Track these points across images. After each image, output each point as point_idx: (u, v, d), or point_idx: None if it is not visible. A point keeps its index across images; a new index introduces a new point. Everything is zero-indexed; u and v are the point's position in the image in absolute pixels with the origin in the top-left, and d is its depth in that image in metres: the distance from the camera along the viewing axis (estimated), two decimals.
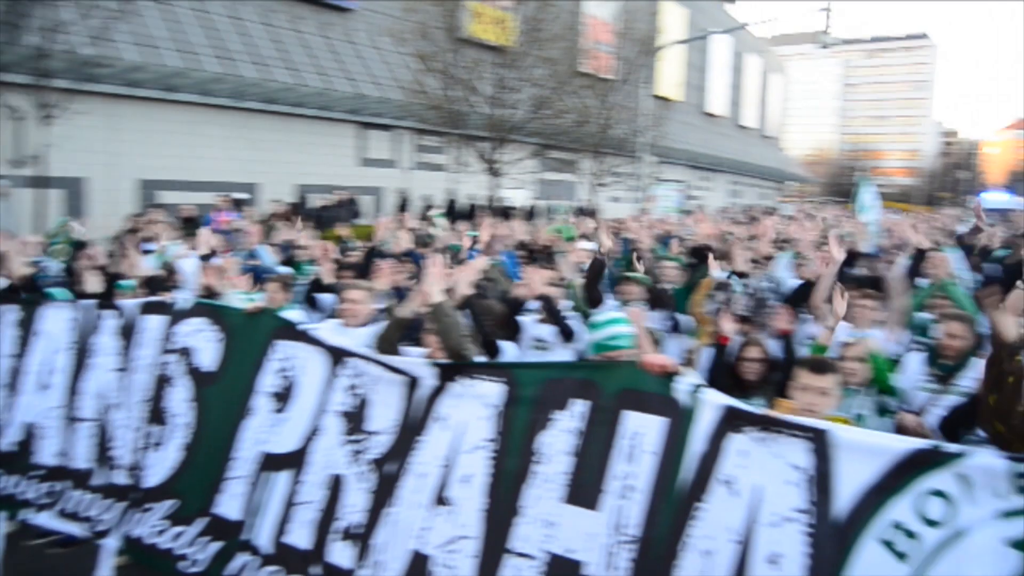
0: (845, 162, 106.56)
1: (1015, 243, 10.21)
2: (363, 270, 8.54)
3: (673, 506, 3.61)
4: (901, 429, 5.06)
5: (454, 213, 24.14)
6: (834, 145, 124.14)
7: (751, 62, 61.86)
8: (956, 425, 4.72)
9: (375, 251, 9.70)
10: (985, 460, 3.20)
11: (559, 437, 3.93)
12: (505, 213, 22.78)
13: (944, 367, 5.53)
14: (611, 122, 27.81)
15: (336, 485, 4.44)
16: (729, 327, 5.71)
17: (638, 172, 29.47)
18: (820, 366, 4.15)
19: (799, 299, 7.26)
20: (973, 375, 5.12)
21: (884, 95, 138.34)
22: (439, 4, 22.78)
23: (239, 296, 6.30)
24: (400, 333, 4.83)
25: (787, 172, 69.68)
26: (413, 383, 4.43)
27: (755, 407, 3.83)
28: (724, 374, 5.63)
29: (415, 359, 4.58)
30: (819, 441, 3.44)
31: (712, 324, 7.23)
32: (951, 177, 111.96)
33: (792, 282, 8.12)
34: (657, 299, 7.36)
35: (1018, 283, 3.80)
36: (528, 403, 4.07)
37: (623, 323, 4.55)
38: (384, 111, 26.64)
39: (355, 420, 4.53)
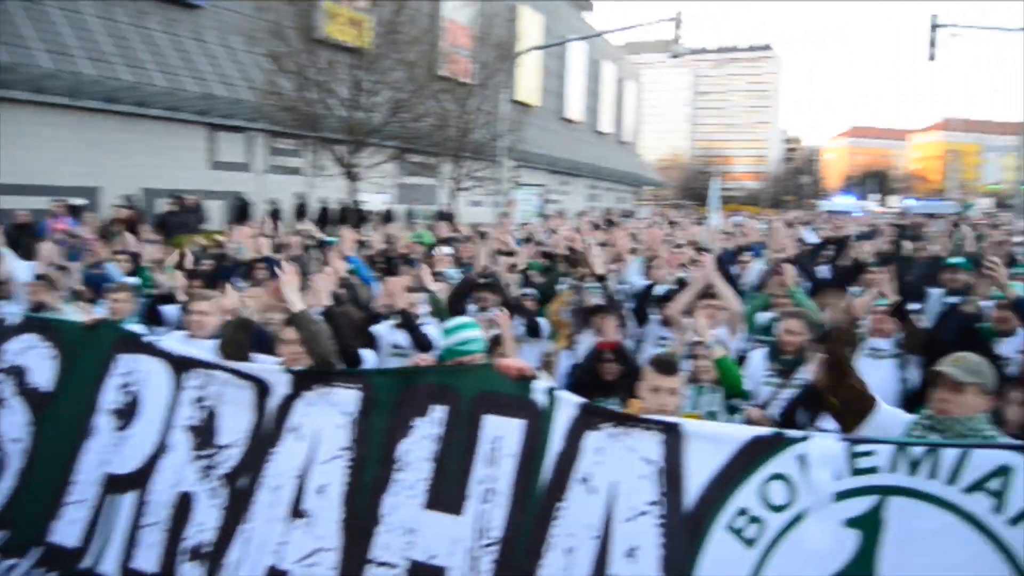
0: (696, 167, 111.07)
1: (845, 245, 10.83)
2: (212, 279, 8.22)
3: (535, 507, 3.66)
4: (748, 423, 5.31)
5: (303, 217, 23.65)
6: (686, 151, 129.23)
7: (607, 69, 63.44)
8: (795, 414, 5.00)
9: (227, 259, 9.37)
10: (823, 443, 3.35)
11: (419, 443, 3.92)
12: (359, 218, 22.49)
13: (785, 362, 5.83)
14: (470, 126, 27.88)
15: (185, 503, 4.28)
16: (612, 331, 5.79)
17: (498, 176, 29.69)
18: (668, 367, 4.24)
19: (647, 300, 7.50)
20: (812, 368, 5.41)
21: (732, 103, 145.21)
22: (293, 3, 22.21)
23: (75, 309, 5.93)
24: (245, 335, 4.66)
25: (643, 176, 71.87)
26: (265, 392, 4.30)
27: (611, 406, 3.95)
28: (587, 375, 5.74)
29: (268, 366, 4.45)
30: (669, 434, 3.55)
31: (569, 328, 7.39)
32: (794, 182, 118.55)
33: (644, 285, 8.35)
34: (514, 305, 7.42)
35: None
36: (386, 410, 4.04)
37: (473, 328, 4.56)
38: (236, 112, 25.74)
39: (204, 434, 4.37)
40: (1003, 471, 3.10)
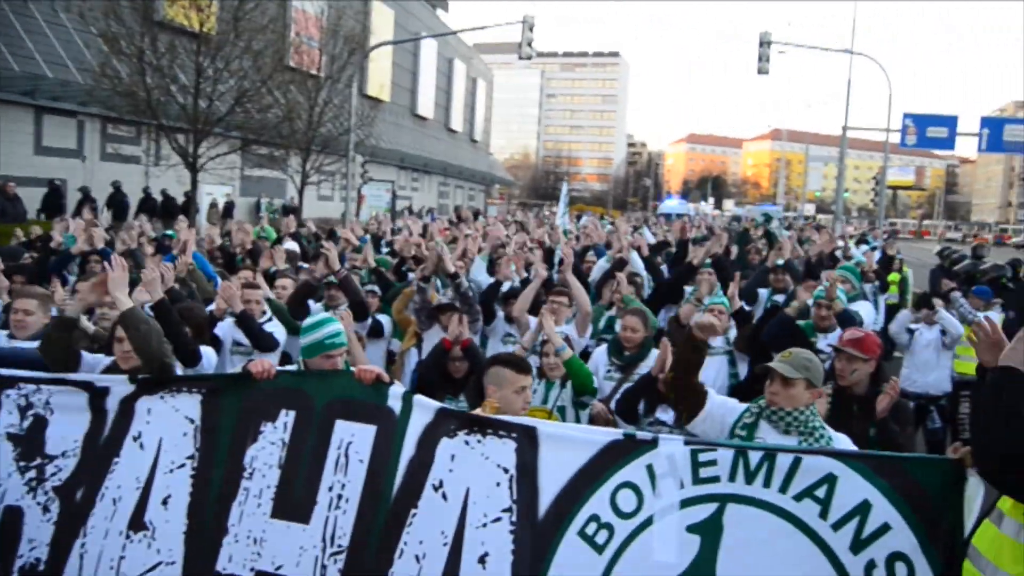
0: (545, 167, 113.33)
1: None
2: (36, 274, 7.73)
3: (386, 513, 3.63)
4: (592, 419, 5.46)
5: (118, 207, 22.59)
6: (535, 151, 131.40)
7: (459, 68, 63.60)
8: (631, 405, 5.20)
9: (51, 252, 8.83)
10: (670, 447, 3.51)
11: (267, 450, 3.80)
12: (184, 209, 21.66)
13: (626, 358, 6.02)
14: (319, 119, 27.31)
15: (14, 519, 3.93)
16: (455, 330, 5.77)
17: (347, 171, 29.21)
18: (519, 365, 4.29)
19: (494, 298, 7.60)
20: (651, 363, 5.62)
21: (579, 107, 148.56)
22: None
23: None
24: (68, 335, 4.40)
25: (493, 175, 72.56)
26: (101, 398, 4.05)
27: (464, 408, 4.05)
28: (435, 373, 5.73)
29: (108, 376, 4.21)
30: (525, 440, 3.61)
31: (416, 326, 7.38)
32: (638, 184, 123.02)
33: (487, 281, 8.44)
34: (360, 304, 7.34)
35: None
36: (234, 415, 3.90)
37: (335, 321, 4.49)
38: (65, 95, 24.19)
39: (31, 444, 4.04)
40: (828, 479, 3.37)
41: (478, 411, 3.95)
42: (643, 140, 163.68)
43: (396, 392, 3.83)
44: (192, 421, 3.91)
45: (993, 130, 35.58)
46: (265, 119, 24.74)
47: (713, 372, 6.34)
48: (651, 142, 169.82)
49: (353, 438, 3.75)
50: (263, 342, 6.36)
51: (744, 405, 4.20)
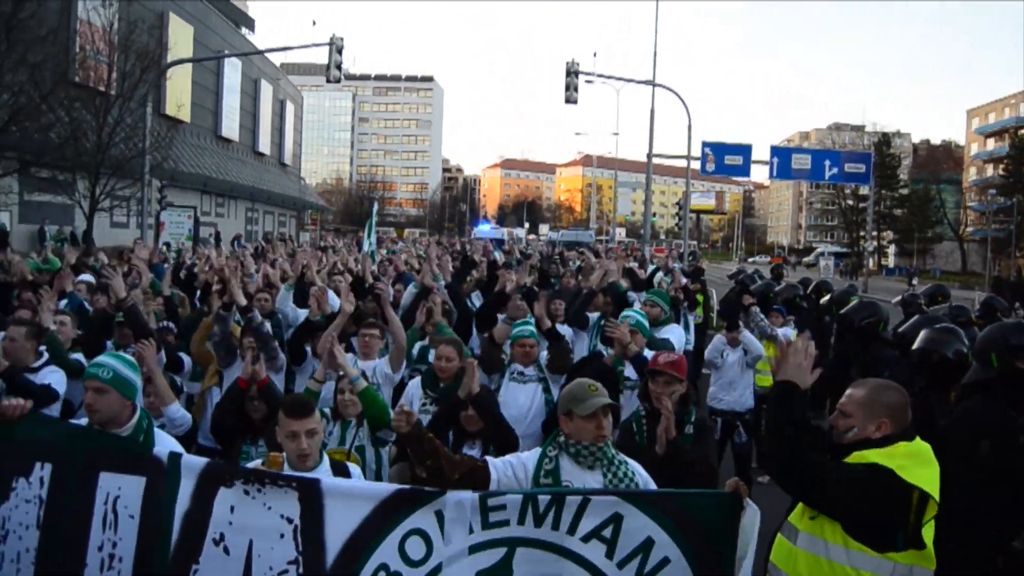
0: (359, 192, 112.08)
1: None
2: None
3: (164, 572, 3.38)
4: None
5: None
6: (348, 176, 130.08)
7: (266, 89, 61.76)
8: (442, 432, 4.94)
9: None
10: (459, 495, 3.45)
11: (22, 508, 3.42)
12: None
13: (441, 389, 5.78)
14: (110, 140, 25.34)
15: None
16: (248, 368, 5.35)
17: (143, 196, 27.28)
18: (302, 409, 3.96)
19: (305, 334, 7.01)
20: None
21: (393, 131, 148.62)
22: None
23: None
24: None
25: (304, 200, 70.89)
26: None
27: (263, 455, 3.94)
28: (231, 416, 5.30)
29: None
30: (308, 490, 3.44)
31: (216, 362, 6.68)
32: (455, 209, 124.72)
33: (299, 314, 7.89)
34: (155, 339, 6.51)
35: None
36: None
37: (108, 356, 4.11)
38: None
39: None
40: (615, 519, 3.42)
41: (258, 463, 3.78)
42: (459, 164, 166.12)
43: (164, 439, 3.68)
44: None
45: (782, 159, 38.60)
46: (47, 139, 22.68)
47: (527, 399, 6.28)
48: (467, 167, 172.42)
49: (120, 491, 3.43)
50: (39, 399, 5.26)
51: (537, 451, 3.91)
